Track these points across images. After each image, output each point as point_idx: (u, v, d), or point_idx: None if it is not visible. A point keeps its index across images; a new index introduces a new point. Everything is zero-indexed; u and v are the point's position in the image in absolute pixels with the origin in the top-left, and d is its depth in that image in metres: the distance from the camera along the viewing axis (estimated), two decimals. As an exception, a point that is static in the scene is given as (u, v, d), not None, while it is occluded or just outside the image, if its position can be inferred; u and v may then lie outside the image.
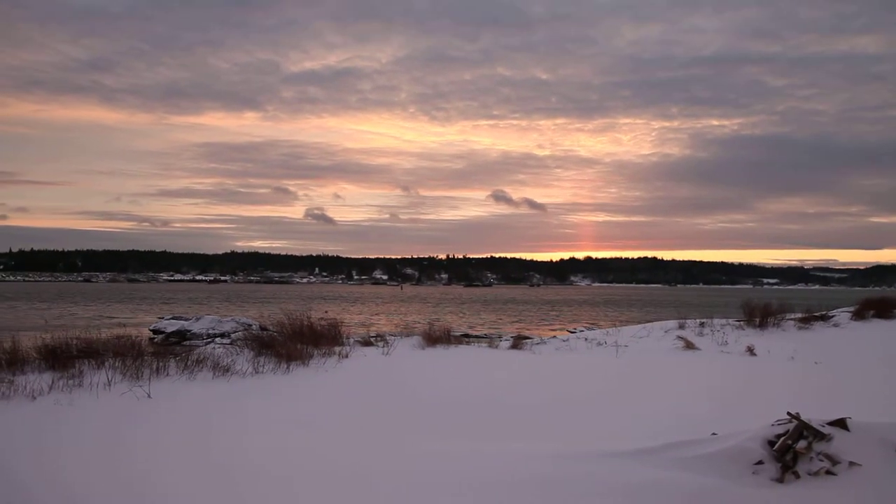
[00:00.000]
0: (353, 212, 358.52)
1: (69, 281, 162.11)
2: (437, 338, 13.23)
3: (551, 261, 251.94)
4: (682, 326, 17.08)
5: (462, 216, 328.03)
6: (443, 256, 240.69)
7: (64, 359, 8.74)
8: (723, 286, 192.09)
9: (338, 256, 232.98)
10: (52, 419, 6.48)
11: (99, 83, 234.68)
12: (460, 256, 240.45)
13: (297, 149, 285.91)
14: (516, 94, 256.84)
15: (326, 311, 19.79)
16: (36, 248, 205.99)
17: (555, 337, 18.84)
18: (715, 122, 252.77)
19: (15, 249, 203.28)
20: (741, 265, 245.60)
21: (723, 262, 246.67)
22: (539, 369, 10.62)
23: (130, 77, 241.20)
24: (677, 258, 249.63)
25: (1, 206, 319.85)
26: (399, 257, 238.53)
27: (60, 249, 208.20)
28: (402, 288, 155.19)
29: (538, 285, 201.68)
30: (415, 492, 4.24)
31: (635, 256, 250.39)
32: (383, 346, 12.26)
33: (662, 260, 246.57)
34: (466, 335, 22.09)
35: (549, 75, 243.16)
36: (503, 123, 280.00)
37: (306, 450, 5.59)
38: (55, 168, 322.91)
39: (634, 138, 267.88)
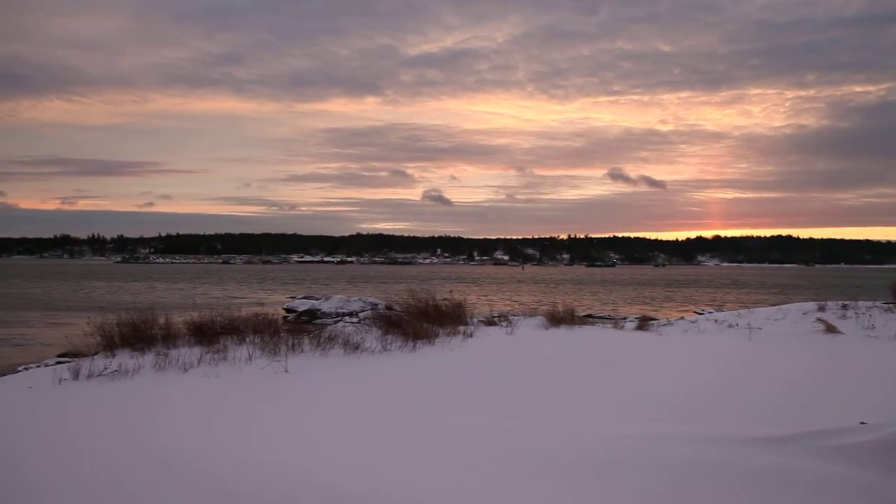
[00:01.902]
0: (471, 192, 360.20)
1: (210, 263, 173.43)
2: (560, 318, 13.12)
3: (677, 240, 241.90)
4: (821, 308, 16.01)
5: (583, 195, 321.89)
6: (564, 236, 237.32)
7: (210, 334, 9.39)
8: (868, 266, 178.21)
9: (459, 237, 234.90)
10: (202, 390, 6.99)
11: (231, 75, 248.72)
12: (582, 236, 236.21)
13: (416, 131, 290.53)
14: (637, 69, 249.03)
15: (451, 291, 20.06)
16: (181, 233, 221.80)
17: (682, 318, 18.19)
18: (858, 89, 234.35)
19: (163, 234, 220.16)
20: (889, 243, 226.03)
21: (867, 241, 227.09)
22: (668, 351, 10.32)
23: (259, 68, 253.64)
24: (815, 236, 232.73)
25: (149, 194, 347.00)
26: (520, 237, 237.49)
27: (202, 233, 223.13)
28: (523, 268, 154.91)
29: (663, 265, 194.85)
30: (557, 472, 4.21)
31: (768, 235, 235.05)
32: (507, 326, 12.30)
33: (798, 238, 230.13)
34: (590, 315, 21.77)
35: (672, 47, 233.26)
36: (624, 99, 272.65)
37: (422, 423, 5.72)
38: (193, 157, 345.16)
39: (765, 110, 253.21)
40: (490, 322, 13.12)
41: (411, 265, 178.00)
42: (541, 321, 13.04)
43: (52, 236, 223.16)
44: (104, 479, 4.27)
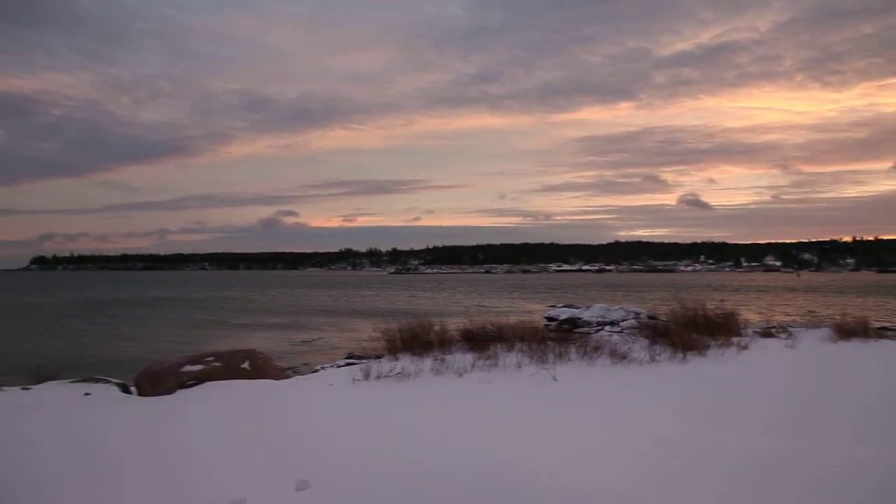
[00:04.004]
0: (733, 195, 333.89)
1: (473, 273, 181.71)
2: (851, 330, 11.77)
3: None
4: None
5: (869, 192, 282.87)
6: (847, 238, 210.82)
7: (481, 341, 9.89)
8: None
9: (724, 243, 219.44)
10: (476, 394, 7.38)
11: (486, 93, 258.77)
12: (870, 238, 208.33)
13: (674, 134, 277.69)
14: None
15: (722, 300, 18.94)
16: (446, 244, 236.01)
17: None
18: None
19: (430, 246, 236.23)
20: None
21: None
22: None
23: (512, 83, 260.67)
24: None
25: (415, 209, 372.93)
26: (794, 241, 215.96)
27: (465, 245, 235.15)
28: (798, 275, 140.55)
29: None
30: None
31: None
32: (786, 338, 11.34)
33: None
34: (885, 328, 19.18)
35: None
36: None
37: (702, 441, 5.46)
38: (454, 173, 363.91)
39: None
40: (767, 333, 12.18)
41: (672, 273, 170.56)
42: (826, 333, 11.82)
43: (337, 250, 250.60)
44: (399, 459, 4.71)
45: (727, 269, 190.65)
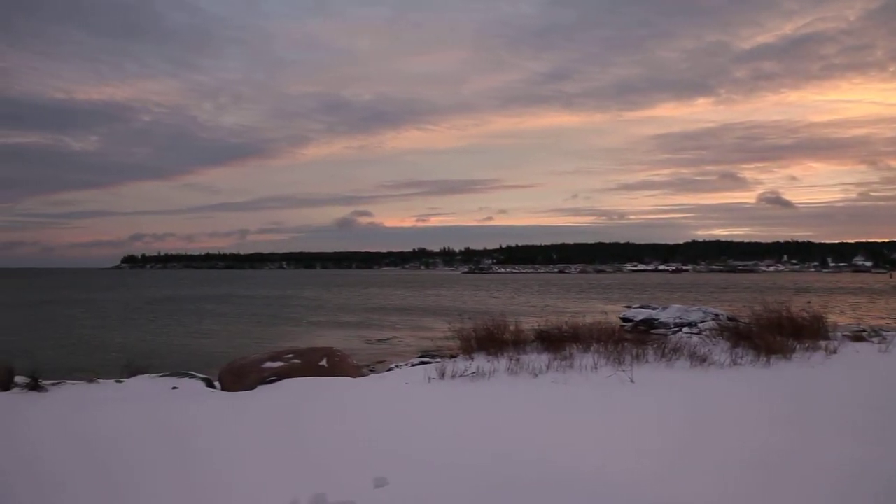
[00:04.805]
0: (818, 192, 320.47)
1: (546, 272, 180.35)
2: (950, 335, 11.13)
3: None
4: None
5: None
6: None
7: (555, 342, 9.81)
8: None
9: (808, 242, 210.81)
10: (551, 394, 7.33)
11: (560, 91, 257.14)
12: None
13: (754, 129, 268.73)
14: None
15: (809, 302, 18.20)
16: (519, 244, 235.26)
17: None
18: None
19: (503, 246, 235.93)
20: None
21: None
22: None
23: (586, 81, 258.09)
24: None
25: (487, 209, 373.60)
26: (886, 241, 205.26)
27: (538, 244, 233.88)
28: (891, 276, 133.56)
29: None
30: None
31: None
32: (879, 342, 10.79)
33: None
34: None
35: None
36: None
37: (786, 449, 5.25)
38: (527, 172, 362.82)
39: None
40: (857, 337, 11.62)
41: (753, 273, 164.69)
42: (926, 338, 11.19)
43: (410, 250, 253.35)
44: (476, 458, 4.72)
45: (812, 269, 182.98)
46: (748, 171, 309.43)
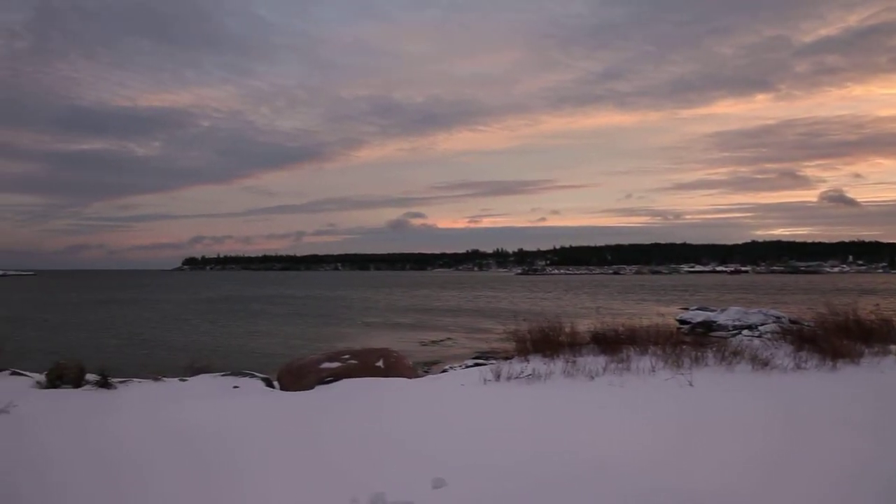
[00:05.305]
0: (886, 189, 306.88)
1: (601, 273, 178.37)
2: None
3: None
4: None
5: None
6: None
7: (612, 344, 9.69)
8: None
9: (876, 242, 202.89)
10: (608, 397, 7.25)
11: (613, 90, 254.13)
12: None
13: (817, 126, 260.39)
14: None
15: (877, 305, 17.57)
16: (573, 245, 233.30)
17: None
18: None
19: (557, 247, 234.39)
20: None
21: None
22: None
23: (640, 80, 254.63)
24: None
25: (540, 210, 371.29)
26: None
27: (592, 245, 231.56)
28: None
29: None
30: None
31: None
32: (955, 347, 10.35)
33: None
34: None
35: None
36: None
37: (872, 457, 5.08)
38: (580, 172, 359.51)
39: None
40: (931, 342, 11.17)
41: (816, 274, 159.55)
42: None
43: (463, 251, 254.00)
44: (533, 460, 4.72)
45: (880, 270, 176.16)
46: (810, 169, 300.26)
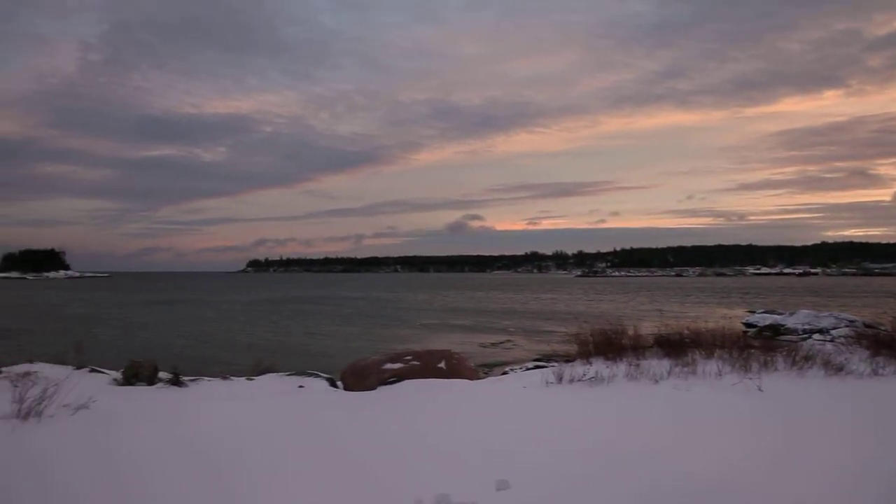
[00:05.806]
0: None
1: (662, 276, 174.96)
2: None
3: None
4: None
5: None
6: None
7: (677, 347, 9.53)
8: None
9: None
10: (673, 402, 7.12)
11: (674, 89, 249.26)
12: None
13: (891, 122, 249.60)
14: None
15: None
16: (634, 247, 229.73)
17: None
18: None
19: (617, 248, 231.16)
20: None
21: None
22: None
23: (702, 78, 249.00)
24: None
25: (599, 211, 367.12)
26: None
27: (653, 247, 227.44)
28: None
29: None
30: None
31: None
32: None
33: None
34: None
35: None
36: None
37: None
38: (640, 173, 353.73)
39: None
40: None
41: (890, 276, 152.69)
42: None
43: (522, 253, 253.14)
44: (596, 463, 4.69)
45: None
46: (883, 167, 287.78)
